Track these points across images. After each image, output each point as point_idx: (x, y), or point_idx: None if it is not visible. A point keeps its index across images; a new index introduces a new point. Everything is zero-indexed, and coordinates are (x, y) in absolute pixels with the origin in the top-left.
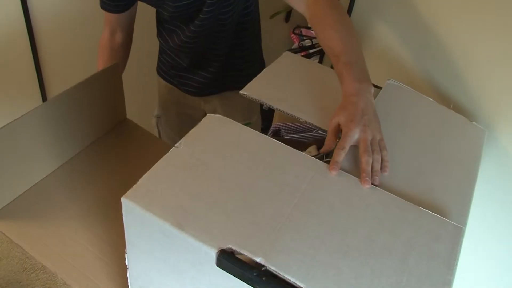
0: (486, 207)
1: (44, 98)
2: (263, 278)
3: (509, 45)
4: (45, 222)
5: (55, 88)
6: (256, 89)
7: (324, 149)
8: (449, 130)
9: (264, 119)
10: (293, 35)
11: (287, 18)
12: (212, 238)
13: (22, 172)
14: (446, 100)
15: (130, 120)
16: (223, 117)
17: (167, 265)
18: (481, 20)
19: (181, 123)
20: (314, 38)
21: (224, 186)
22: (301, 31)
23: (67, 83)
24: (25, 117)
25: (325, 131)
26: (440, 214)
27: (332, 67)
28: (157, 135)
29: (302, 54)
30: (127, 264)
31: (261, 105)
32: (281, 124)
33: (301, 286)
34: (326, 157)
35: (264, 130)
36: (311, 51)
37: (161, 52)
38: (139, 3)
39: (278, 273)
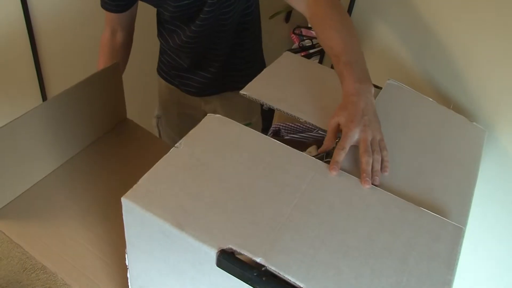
0: (486, 207)
1: (44, 98)
2: (263, 278)
3: (509, 45)
4: (45, 222)
5: (55, 88)
6: (256, 89)
7: (322, 148)
8: (449, 130)
9: (264, 119)
10: (293, 35)
11: (287, 18)
12: (212, 238)
13: (22, 172)
14: (446, 100)
15: (130, 120)
16: (223, 117)
17: (167, 265)
18: (481, 20)
19: (182, 123)
20: (314, 38)
21: (224, 186)
22: (301, 31)
23: (67, 83)
24: (25, 116)
25: (325, 131)
26: (440, 214)
27: (332, 67)
28: (157, 135)
29: (302, 54)
30: (127, 264)
31: (261, 105)
32: (281, 124)
33: (301, 286)
34: (326, 157)
35: (264, 130)
36: (311, 51)
37: (162, 52)
38: (140, 3)
39: (278, 273)
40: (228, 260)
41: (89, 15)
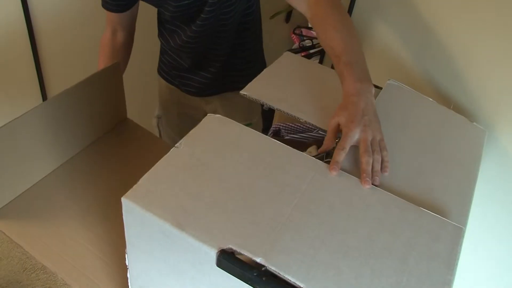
0: (487, 207)
1: (44, 97)
2: (263, 278)
3: (509, 45)
4: (45, 222)
5: (55, 88)
6: (256, 89)
7: (322, 148)
8: (449, 131)
9: (265, 119)
10: (293, 35)
11: (288, 19)
12: (212, 238)
13: (22, 172)
14: (446, 100)
15: (130, 120)
16: (223, 117)
17: (167, 265)
18: (481, 20)
19: (182, 124)
20: (315, 38)
21: (224, 186)
22: (301, 31)
23: (67, 83)
24: (25, 116)
25: (325, 131)
26: (440, 214)
27: (332, 67)
28: (157, 135)
29: (303, 54)
30: (127, 264)
31: (262, 106)
32: (281, 124)
33: (301, 286)
34: (326, 157)
35: (264, 130)
36: (311, 51)
37: (162, 52)
38: (141, 3)
39: (278, 273)
40: (228, 260)
41: (89, 15)
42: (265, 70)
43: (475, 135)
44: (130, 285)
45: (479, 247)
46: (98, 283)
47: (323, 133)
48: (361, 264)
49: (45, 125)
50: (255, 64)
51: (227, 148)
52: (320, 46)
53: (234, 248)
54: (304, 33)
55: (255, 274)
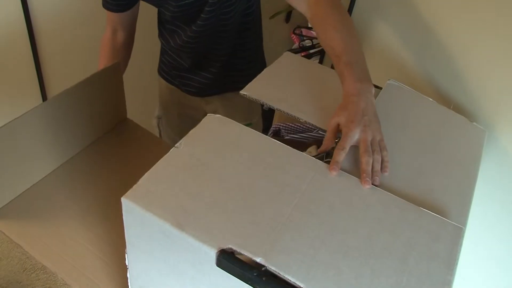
0: (487, 206)
1: (44, 98)
2: (263, 278)
3: (509, 45)
4: (45, 222)
5: (55, 88)
6: (256, 89)
7: (322, 148)
8: (449, 131)
9: (265, 119)
10: (293, 35)
11: (288, 19)
12: (212, 238)
13: (22, 172)
14: (446, 100)
15: (130, 120)
16: (223, 117)
17: (167, 265)
18: (481, 20)
19: (182, 124)
20: (315, 38)
21: (224, 186)
22: (301, 32)
23: (67, 83)
24: (25, 116)
25: (325, 131)
26: (440, 215)
27: (332, 67)
28: (158, 135)
29: (303, 54)
30: (127, 264)
31: (262, 106)
32: (281, 124)
33: (301, 286)
34: (326, 157)
35: (264, 130)
36: (311, 51)
37: (163, 52)
38: (141, 3)
39: (278, 273)
40: (228, 260)
41: (89, 15)
42: (265, 70)
43: (475, 135)
44: (130, 285)
45: (479, 247)
46: (98, 283)
47: (323, 133)
48: (361, 264)
49: (45, 125)
50: (255, 64)
51: (227, 148)
52: (320, 46)
53: (234, 248)
54: (304, 33)
55: (255, 274)
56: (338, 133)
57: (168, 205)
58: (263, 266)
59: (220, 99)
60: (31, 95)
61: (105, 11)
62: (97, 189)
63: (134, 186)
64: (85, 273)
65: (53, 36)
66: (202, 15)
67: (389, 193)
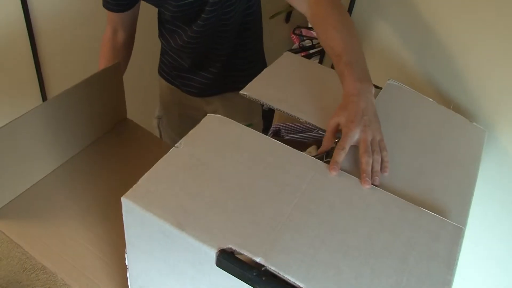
0: (487, 206)
1: (44, 98)
2: (263, 278)
3: (509, 45)
4: (45, 222)
5: (55, 88)
6: (256, 89)
7: (322, 149)
8: (449, 131)
9: (265, 119)
10: (293, 35)
11: (288, 19)
12: (212, 238)
13: (22, 172)
14: (446, 100)
15: (130, 120)
16: (223, 117)
17: (167, 265)
18: (481, 20)
19: (183, 124)
20: (314, 38)
21: (224, 186)
22: (301, 32)
23: (67, 83)
24: (25, 116)
25: (325, 131)
26: (440, 214)
27: (332, 67)
28: (158, 136)
29: (302, 54)
30: (127, 264)
31: (262, 106)
32: (281, 124)
33: (301, 286)
34: (326, 157)
35: (264, 130)
36: (311, 51)
37: (163, 53)
38: (142, 3)
39: (278, 273)
40: (228, 260)
41: (89, 15)
42: (265, 70)
43: (475, 135)
44: (130, 285)
45: (479, 247)
46: (98, 283)
47: (323, 133)
48: (361, 264)
49: (45, 125)
50: (256, 64)
51: (227, 148)
52: (320, 46)
53: (234, 248)
54: (304, 33)
55: (254, 274)
56: (337, 133)
57: (168, 205)
58: (263, 266)
59: (220, 99)
60: (31, 95)
61: (106, 11)
62: (97, 189)
63: (134, 186)
64: (85, 273)
65: (53, 36)
66: (202, 15)
67: (389, 193)
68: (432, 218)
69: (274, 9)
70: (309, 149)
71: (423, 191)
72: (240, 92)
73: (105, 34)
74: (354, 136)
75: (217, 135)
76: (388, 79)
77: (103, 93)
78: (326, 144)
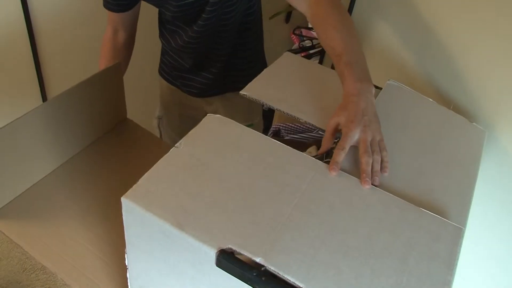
0: (487, 206)
1: (44, 98)
2: (263, 278)
3: (509, 45)
4: (45, 222)
5: (55, 88)
6: (256, 90)
7: (321, 149)
8: (449, 131)
9: (265, 120)
10: (293, 35)
11: (288, 19)
12: (212, 238)
13: (22, 172)
14: (446, 101)
15: (130, 120)
16: (223, 117)
17: (167, 265)
18: (481, 20)
19: (183, 124)
20: (314, 38)
21: (224, 186)
22: (301, 32)
23: (67, 83)
24: (26, 117)
25: (325, 131)
26: (440, 215)
27: (332, 67)
28: (158, 136)
29: (302, 54)
30: (127, 264)
31: (262, 106)
32: (281, 124)
33: (301, 286)
34: (326, 157)
35: (264, 130)
36: (311, 51)
37: (163, 53)
38: (142, 3)
39: (278, 273)
40: (228, 260)
41: (89, 15)
42: (265, 70)
43: (475, 136)
44: (130, 285)
45: (479, 247)
46: (98, 283)
47: (323, 133)
48: (361, 264)
49: (45, 126)
50: (256, 64)
51: (227, 148)
52: (320, 47)
53: (234, 248)
54: (304, 34)
55: (254, 274)
56: (337, 133)
57: (168, 205)
58: (263, 266)
59: (220, 100)
60: (31, 95)
61: (106, 11)
62: (97, 189)
63: (134, 186)
64: (85, 273)
65: (53, 36)
66: (203, 15)
67: (389, 193)
68: (432, 218)
69: (274, 9)
70: (309, 149)
71: (423, 192)
72: (240, 92)
73: (105, 34)
74: (354, 136)
75: (217, 135)
76: (388, 80)
77: (103, 93)
78: (325, 144)
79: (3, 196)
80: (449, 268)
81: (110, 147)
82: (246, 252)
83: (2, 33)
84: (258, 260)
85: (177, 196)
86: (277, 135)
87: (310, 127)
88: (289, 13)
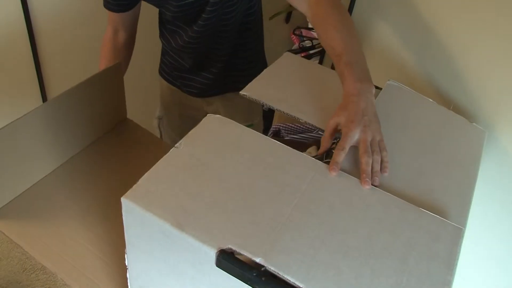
0: (487, 206)
1: (44, 98)
2: (263, 279)
3: (509, 45)
4: (45, 222)
5: (55, 88)
6: (256, 90)
7: (321, 149)
8: (449, 131)
9: (265, 120)
10: (293, 35)
11: (288, 19)
12: (212, 238)
13: (22, 171)
14: (446, 101)
15: (130, 120)
16: (223, 117)
17: (167, 265)
18: (481, 20)
19: (183, 125)
20: (314, 39)
21: (224, 186)
22: (301, 32)
23: (67, 83)
24: (26, 117)
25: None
26: (440, 215)
27: (332, 67)
28: (158, 136)
29: (302, 54)
30: (127, 264)
31: (262, 106)
32: (281, 124)
33: (301, 286)
34: (326, 157)
35: (264, 130)
36: (311, 51)
37: (164, 53)
38: (143, 3)
39: (278, 273)
40: (228, 260)
41: (89, 15)
42: (265, 70)
43: (475, 136)
44: (130, 285)
45: (479, 247)
46: (98, 283)
47: (323, 133)
48: (361, 264)
49: (46, 126)
50: (256, 64)
51: (227, 148)
52: (319, 47)
53: (234, 248)
54: (304, 34)
55: (254, 274)
56: (336, 133)
57: (168, 205)
58: (263, 266)
59: (221, 100)
60: (31, 95)
61: (106, 11)
62: (97, 189)
63: (134, 186)
64: (85, 273)
65: (53, 36)
66: (203, 15)
67: (389, 194)
68: (432, 218)
69: (274, 9)
70: (309, 150)
71: (423, 192)
72: (240, 92)
73: (105, 34)
74: (354, 136)
75: (217, 135)
76: (388, 80)
77: (103, 94)
78: (324, 144)
79: (3, 196)
80: (449, 268)
81: (110, 147)
82: (246, 252)
83: (2, 33)
84: (258, 260)
85: (177, 196)
86: (277, 135)
87: (310, 127)
88: (289, 13)
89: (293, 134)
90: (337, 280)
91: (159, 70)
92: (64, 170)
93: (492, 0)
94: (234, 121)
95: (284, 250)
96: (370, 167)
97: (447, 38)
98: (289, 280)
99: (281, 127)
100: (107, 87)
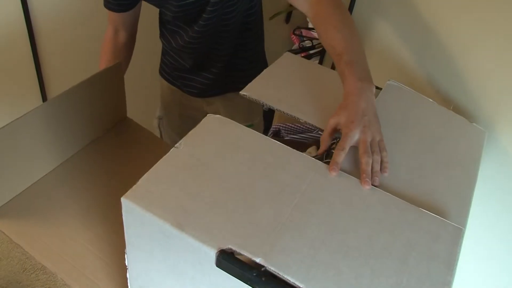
0: (487, 206)
1: (44, 98)
2: (263, 279)
3: (509, 45)
4: (45, 221)
5: (55, 88)
6: (256, 90)
7: (321, 149)
8: (449, 131)
9: (265, 120)
10: (293, 36)
11: (288, 19)
12: (212, 238)
13: (22, 170)
14: (446, 101)
15: (130, 119)
16: (223, 117)
17: (167, 265)
18: (481, 20)
19: (183, 125)
20: (315, 39)
21: (224, 186)
22: (301, 32)
23: (67, 83)
24: (26, 117)
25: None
26: (440, 215)
27: (333, 67)
28: (159, 136)
29: (302, 55)
30: (127, 264)
31: (262, 106)
32: (281, 124)
33: (301, 286)
34: (326, 157)
35: (264, 130)
36: (311, 52)
37: (164, 53)
38: (143, 3)
39: (278, 273)
40: (228, 261)
41: (89, 15)
42: (265, 70)
43: (475, 136)
44: (130, 285)
45: (479, 247)
46: (98, 283)
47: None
48: (361, 264)
49: (46, 125)
50: (257, 64)
51: (227, 148)
52: (320, 47)
53: (234, 248)
54: (304, 34)
55: (254, 274)
56: (336, 133)
57: (168, 205)
58: (263, 266)
59: (221, 100)
60: (31, 95)
61: (106, 11)
62: (97, 188)
63: (134, 186)
64: (85, 273)
65: (53, 36)
66: (203, 15)
67: (389, 194)
68: (432, 218)
69: (274, 9)
70: (309, 150)
71: (423, 192)
72: (240, 92)
73: (106, 34)
74: (354, 136)
75: (217, 135)
76: (388, 80)
77: (104, 93)
78: (324, 144)
79: (3, 195)
80: (449, 268)
81: (110, 147)
82: (246, 253)
83: (2, 33)
84: (258, 260)
85: (177, 196)
86: (277, 135)
87: (310, 127)
88: (289, 13)
89: (293, 134)
90: (337, 280)
91: (160, 70)
92: (64, 169)
93: (492, 0)
94: (234, 121)
95: (284, 250)
96: (370, 167)
97: (447, 38)
98: (289, 280)
99: (281, 127)
100: (107, 86)
